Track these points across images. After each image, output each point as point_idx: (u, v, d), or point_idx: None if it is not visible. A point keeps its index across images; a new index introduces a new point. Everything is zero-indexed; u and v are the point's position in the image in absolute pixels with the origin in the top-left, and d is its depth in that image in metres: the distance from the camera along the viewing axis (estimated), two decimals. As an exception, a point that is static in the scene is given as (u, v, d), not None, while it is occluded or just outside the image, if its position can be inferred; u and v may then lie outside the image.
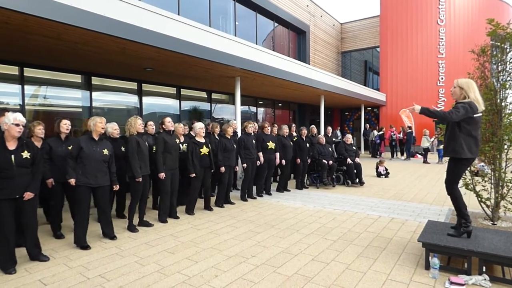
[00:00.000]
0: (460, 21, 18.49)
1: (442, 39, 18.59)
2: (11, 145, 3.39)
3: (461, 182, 3.98)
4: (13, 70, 7.14)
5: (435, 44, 18.75)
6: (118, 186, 4.49)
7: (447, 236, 3.49)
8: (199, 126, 5.81)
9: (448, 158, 3.64)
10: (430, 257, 3.35)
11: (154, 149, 5.32)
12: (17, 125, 3.36)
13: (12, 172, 3.33)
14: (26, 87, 7.34)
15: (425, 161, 14.04)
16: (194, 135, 5.99)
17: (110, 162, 4.33)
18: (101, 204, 4.28)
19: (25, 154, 3.45)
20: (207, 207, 6.02)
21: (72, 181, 4.01)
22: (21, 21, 4.51)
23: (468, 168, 4.65)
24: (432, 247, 3.37)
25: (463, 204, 3.55)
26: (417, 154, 16.46)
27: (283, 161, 7.45)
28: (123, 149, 5.15)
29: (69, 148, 4.39)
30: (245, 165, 6.62)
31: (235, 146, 6.41)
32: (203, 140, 5.82)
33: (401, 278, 3.24)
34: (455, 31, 18.51)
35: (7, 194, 3.32)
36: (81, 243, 4.08)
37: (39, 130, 4.46)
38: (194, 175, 5.61)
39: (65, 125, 4.57)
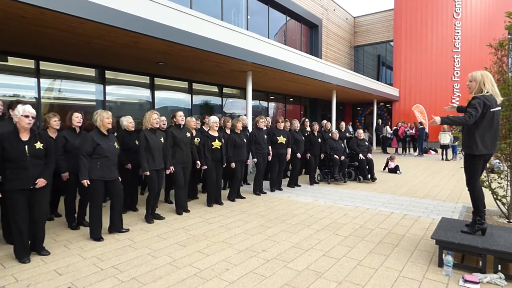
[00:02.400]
0: (477, 15, 17.99)
1: (458, 33, 18.13)
2: (24, 136, 3.46)
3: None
4: (29, 64, 7.27)
5: (450, 38, 18.31)
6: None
7: (461, 234, 3.44)
8: (213, 119, 5.87)
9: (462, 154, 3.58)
10: (443, 255, 3.30)
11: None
12: (27, 116, 3.42)
13: (26, 163, 3.41)
14: (41, 80, 7.46)
15: (446, 159, 13.44)
16: (207, 128, 6.03)
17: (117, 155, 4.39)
18: (115, 197, 4.33)
19: (38, 145, 3.52)
20: (209, 202, 5.96)
21: (85, 182, 3.96)
22: (37, 15, 4.57)
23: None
24: (446, 245, 3.32)
25: (482, 202, 3.48)
26: (430, 150, 16.18)
27: (298, 155, 7.43)
28: (137, 142, 5.20)
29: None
30: (255, 159, 6.63)
31: (245, 140, 6.40)
32: (216, 134, 5.86)
33: (414, 275, 3.21)
34: (472, 24, 18.02)
35: (21, 184, 3.41)
36: (96, 235, 4.15)
37: (54, 122, 4.54)
38: (205, 167, 5.71)
39: (77, 118, 4.61)
